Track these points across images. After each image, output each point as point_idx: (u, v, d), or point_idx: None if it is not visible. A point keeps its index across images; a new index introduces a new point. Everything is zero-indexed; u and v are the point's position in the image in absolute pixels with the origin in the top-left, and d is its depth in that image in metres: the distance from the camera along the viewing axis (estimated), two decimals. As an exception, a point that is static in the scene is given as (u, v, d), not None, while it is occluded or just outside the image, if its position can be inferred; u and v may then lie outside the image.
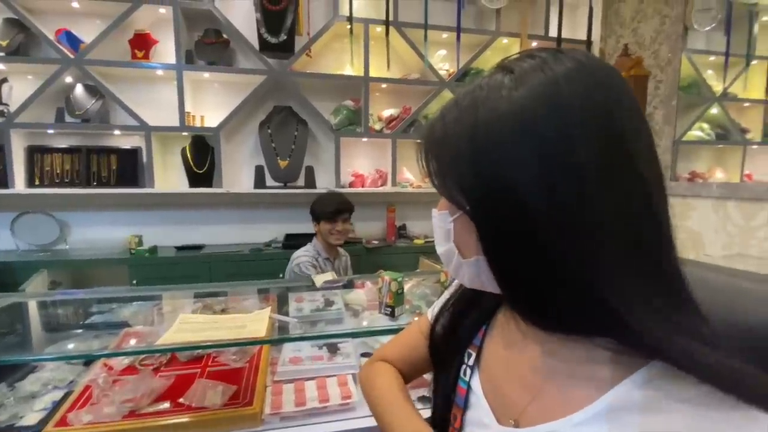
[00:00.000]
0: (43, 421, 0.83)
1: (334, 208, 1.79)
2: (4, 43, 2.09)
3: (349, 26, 2.30)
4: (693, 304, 0.35)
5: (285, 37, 2.25)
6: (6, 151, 2.10)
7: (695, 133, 2.31)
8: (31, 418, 0.85)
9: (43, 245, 2.29)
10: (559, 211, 0.32)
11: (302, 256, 1.83)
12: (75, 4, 2.16)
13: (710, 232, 1.96)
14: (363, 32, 2.35)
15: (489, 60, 2.68)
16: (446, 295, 0.58)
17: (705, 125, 2.31)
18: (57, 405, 0.89)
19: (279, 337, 0.97)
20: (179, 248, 2.36)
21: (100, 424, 0.82)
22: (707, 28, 2.20)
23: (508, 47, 2.70)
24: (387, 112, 2.56)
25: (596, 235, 0.32)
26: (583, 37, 2.66)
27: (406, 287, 1.47)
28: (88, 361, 1.07)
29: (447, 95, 2.54)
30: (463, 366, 0.50)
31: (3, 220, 2.23)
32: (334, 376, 1.04)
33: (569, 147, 0.32)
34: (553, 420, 0.38)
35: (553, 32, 2.64)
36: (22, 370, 1.02)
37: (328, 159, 2.54)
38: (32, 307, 1.29)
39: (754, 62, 2.12)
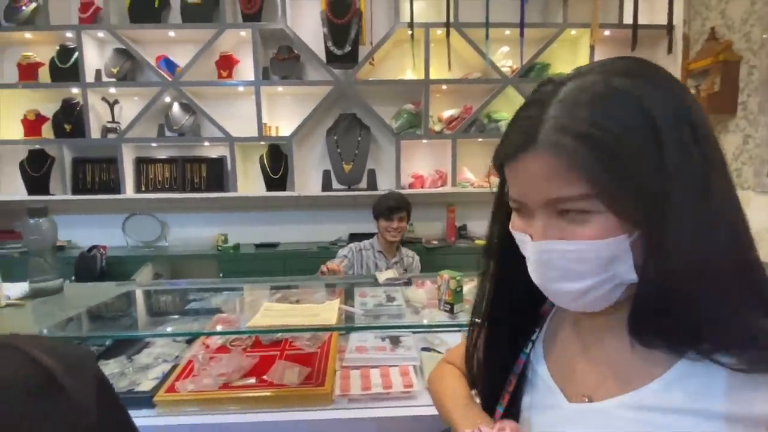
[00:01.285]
0: (156, 388, 1.00)
1: (390, 206, 1.88)
2: (115, 71, 2.48)
3: (410, 32, 2.36)
4: None
5: (350, 48, 2.38)
6: (119, 162, 2.49)
7: (804, 121, 2.01)
8: (146, 385, 1.02)
9: (148, 242, 2.67)
10: (720, 215, 0.35)
11: (350, 246, 1.95)
12: (171, 33, 2.49)
13: (824, 233, 1.70)
14: (423, 36, 2.40)
15: (556, 54, 2.57)
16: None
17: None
18: (166, 375, 1.06)
19: (347, 325, 1.05)
20: (258, 245, 2.61)
21: (201, 392, 0.96)
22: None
23: (576, 39, 2.57)
24: (447, 113, 2.58)
25: (738, 230, 0.36)
26: (663, 21, 2.45)
27: (466, 287, 1.48)
28: (190, 339, 1.25)
29: (510, 92, 2.49)
30: (528, 345, 0.52)
31: (116, 221, 2.64)
32: (396, 366, 1.10)
33: (709, 145, 0.36)
34: (633, 390, 0.39)
35: (627, 19, 2.46)
36: (137, 346, 1.22)
37: (389, 162, 2.63)
38: (141, 294, 1.53)
39: None
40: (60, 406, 0.27)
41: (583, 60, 2.51)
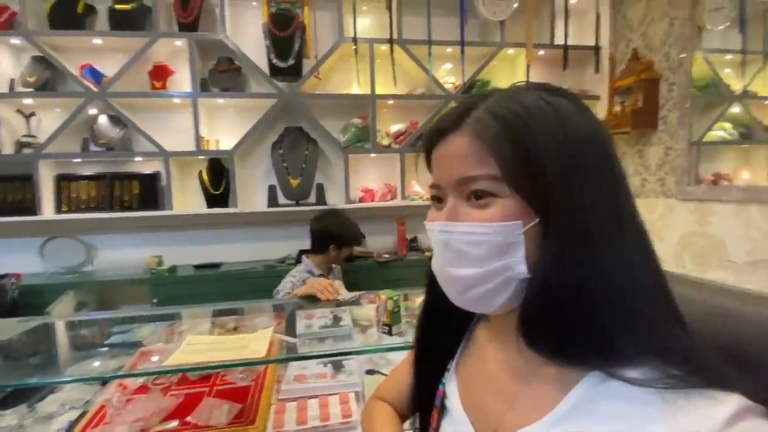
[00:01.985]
0: (59, 441, 0.87)
1: (362, 236, 1.96)
2: (32, 80, 2.25)
3: (354, 47, 2.36)
4: (680, 320, 0.37)
5: (293, 62, 2.33)
6: (35, 180, 2.24)
7: (717, 134, 2.23)
8: (48, 438, 0.89)
9: (71, 268, 2.41)
10: (618, 221, 0.36)
11: (288, 282, 1.81)
12: (97, 41, 2.31)
13: (733, 237, 1.88)
14: (368, 51, 2.41)
15: (495, 71, 2.69)
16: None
17: (727, 125, 2.23)
18: (73, 425, 0.93)
19: (273, 359, 0.98)
20: (197, 267, 2.44)
21: (112, 442, 0.85)
22: (720, 27, 2.14)
23: (514, 57, 2.71)
24: (395, 128, 2.59)
25: (642, 241, 0.37)
26: (592, 42, 2.64)
27: (417, 301, 1.46)
28: (105, 381, 1.12)
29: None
30: (446, 372, 0.51)
31: (32, 245, 2.37)
32: (337, 394, 1.05)
33: (617, 165, 0.38)
34: (530, 424, 0.38)
35: (559, 40, 2.63)
36: (41, 392, 1.07)
37: (338, 176, 2.59)
38: (55, 328, 1.36)
39: (772, 59, 2.05)
40: None
41: (521, 77, 2.65)
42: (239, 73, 2.44)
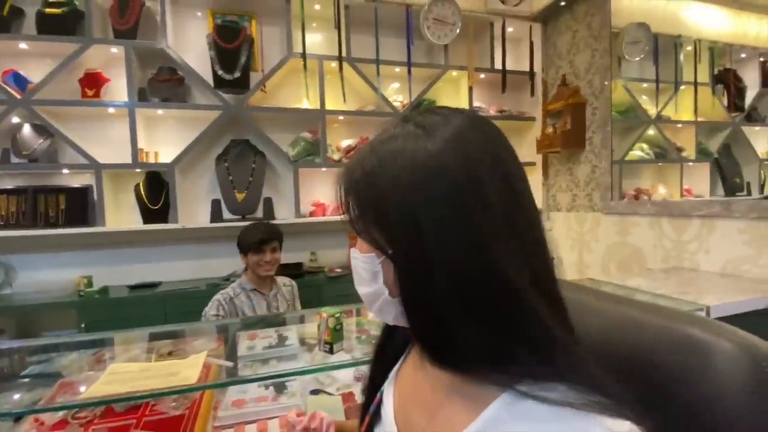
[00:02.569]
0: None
1: (259, 238, 1.72)
2: (-56, 85, 2.04)
3: (303, 62, 2.38)
4: (567, 322, 0.40)
5: (239, 74, 2.30)
6: (-57, 194, 2.01)
7: (636, 153, 2.49)
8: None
9: (-16, 291, 2.17)
10: (472, 248, 0.36)
11: (216, 298, 1.74)
12: (23, 45, 2.14)
13: (650, 247, 2.10)
14: (318, 68, 2.44)
15: (441, 91, 2.82)
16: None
17: (644, 145, 2.50)
18: (-26, 471, 0.84)
19: (203, 385, 0.95)
20: (132, 287, 2.29)
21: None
22: (637, 59, 2.42)
23: (457, 79, 2.85)
24: (345, 143, 2.63)
25: (504, 268, 0.36)
26: (527, 68, 2.85)
27: (369, 317, 1.47)
28: (18, 417, 1.02)
29: (402, 125, 2.64)
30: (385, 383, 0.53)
31: (-61, 267, 2.11)
32: (276, 417, 1.03)
33: (479, 188, 0.37)
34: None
35: (498, 64, 2.81)
36: (-62, 435, 0.96)
37: (287, 190, 2.56)
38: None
39: (682, 87, 2.34)
40: None
41: (464, 98, 2.79)
42: (181, 83, 2.36)
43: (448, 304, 0.37)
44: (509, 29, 2.81)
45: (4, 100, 2.07)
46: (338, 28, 2.43)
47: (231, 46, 2.28)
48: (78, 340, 1.45)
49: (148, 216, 2.30)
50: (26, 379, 1.10)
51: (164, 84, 2.30)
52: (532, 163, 2.95)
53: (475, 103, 2.81)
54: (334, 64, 2.46)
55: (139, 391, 0.82)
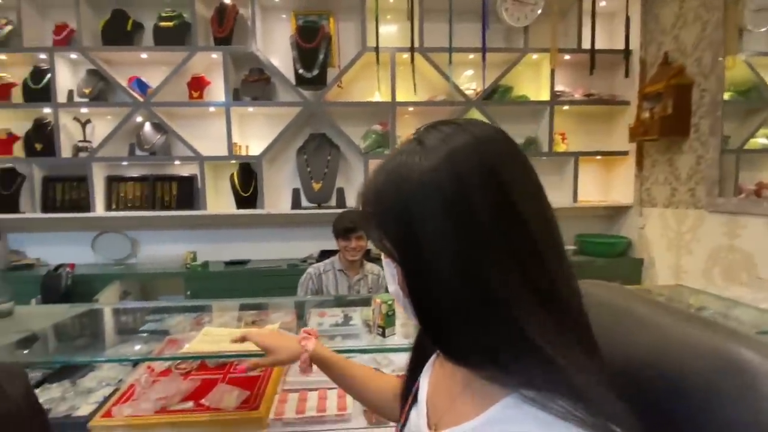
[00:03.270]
0: (94, 413, 1.02)
1: (345, 227, 1.83)
2: (87, 91, 2.52)
3: (376, 56, 2.44)
4: (581, 335, 0.39)
5: (318, 71, 2.45)
6: (89, 180, 2.51)
7: (760, 141, 2.11)
8: (84, 410, 1.04)
9: (118, 260, 2.67)
10: (458, 258, 0.38)
11: (308, 271, 1.92)
12: (144, 56, 2.55)
13: (763, 252, 1.78)
14: (390, 60, 2.48)
15: (519, 75, 2.68)
16: None
17: (772, 131, 2.11)
18: (106, 400, 1.08)
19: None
20: (228, 263, 2.62)
21: (136, 417, 0.98)
22: (764, 29, 2.03)
23: (538, 62, 2.68)
24: (415, 133, 2.64)
25: (487, 278, 0.37)
26: (621, 46, 2.57)
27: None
28: (136, 362, 1.27)
29: (474, 114, 2.58)
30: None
31: (86, 239, 2.65)
32: (335, 388, 1.13)
33: (466, 206, 0.38)
34: (456, 425, 0.43)
35: (585, 44, 2.57)
36: (83, 369, 1.24)
37: (358, 180, 2.68)
38: (99, 314, 1.54)
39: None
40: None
41: (545, 82, 2.62)
42: (268, 82, 2.59)
43: (442, 307, 0.40)
44: (601, 3, 2.55)
45: (130, 103, 2.49)
46: (411, 18, 2.44)
47: (310, 45, 2.44)
48: (183, 305, 1.73)
49: (240, 202, 2.60)
50: (144, 334, 1.36)
51: (254, 84, 2.55)
52: (623, 153, 2.67)
53: (558, 87, 2.62)
54: (406, 56, 2.49)
55: (225, 351, 0.96)
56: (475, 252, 0.38)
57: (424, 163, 0.40)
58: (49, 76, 2.47)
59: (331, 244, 2.66)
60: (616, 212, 2.82)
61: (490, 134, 0.42)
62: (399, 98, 2.52)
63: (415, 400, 0.55)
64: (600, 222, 2.90)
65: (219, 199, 2.71)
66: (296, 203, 2.63)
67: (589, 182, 2.82)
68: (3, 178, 2.53)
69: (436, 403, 0.49)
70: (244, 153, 2.61)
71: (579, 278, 0.43)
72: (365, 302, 1.73)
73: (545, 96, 2.60)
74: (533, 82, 2.71)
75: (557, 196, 2.74)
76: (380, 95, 2.56)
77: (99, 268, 2.57)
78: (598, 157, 2.73)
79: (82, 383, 1.16)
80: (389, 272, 0.46)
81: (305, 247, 2.74)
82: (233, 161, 2.60)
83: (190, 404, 1.04)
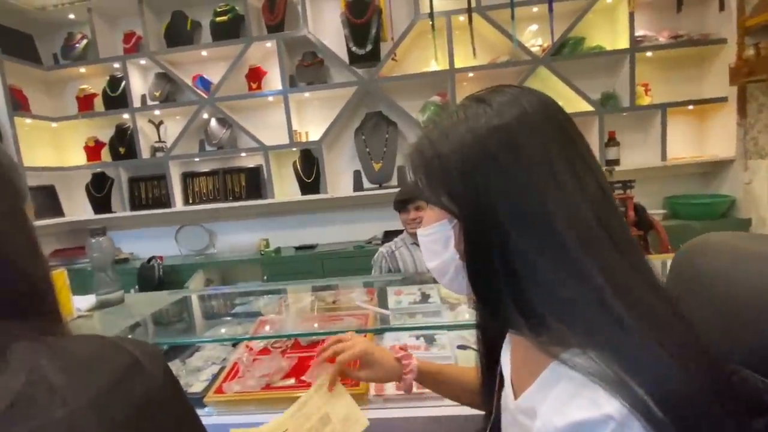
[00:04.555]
0: (206, 389, 1.07)
1: (400, 198, 1.78)
2: (157, 94, 2.67)
3: (431, 22, 2.31)
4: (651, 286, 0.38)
5: (371, 47, 2.38)
6: (167, 178, 2.68)
7: None
8: (197, 387, 1.10)
9: (198, 251, 2.85)
10: (537, 214, 0.38)
11: (381, 250, 1.89)
12: (204, 53, 2.63)
13: None
14: (445, 25, 2.35)
15: (592, 24, 2.41)
16: None
17: None
18: (215, 377, 1.14)
19: (379, 327, 1.07)
20: (297, 248, 2.70)
21: (245, 393, 1.02)
22: None
23: (613, 6, 2.40)
24: (476, 102, 2.50)
25: (551, 221, 0.37)
26: (714, -26, 2.21)
27: None
28: (236, 342, 1.33)
29: (542, 73, 2.37)
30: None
31: (169, 232, 2.85)
32: (432, 365, 1.10)
33: (547, 158, 0.39)
34: (523, 391, 0.44)
35: (670, -22, 2.24)
36: (189, 349, 1.32)
37: (420, 156, 2.60)
38: (192, 301, 1.65)
39: None
40: (142, 384, 0.33)
41: (622, 28, 2.33)
42: (322, 65, 2.57)
43: (502, 262, 0.39)
44: (687, -73, 2.20)
45: (196, 101, 2.59)
46: (466, -24, 2.27)
47: (362, 20, 2.37)
48: (266, 288, 1.80)
49: (304, 187, 2.64)
50: (233, 318, 1.42)
51: (308, 68, 2.54)
52: (721, 99, 2.32)
53: (639, 32, 2.32)
54: (463, 18, 2.33)
55: (322, 328, 0.96)
56: (544, 188, 0.38)
57: (488, 110, 0.41)
58: (124, 83, 2.64)
59: (395, 224, 2.65)
60: (714, 168, 2.49)
61: (548, 98, 0.43)
62: (457, 65, 2.38)
63: (502, 382, 0.54)
64: (694, 181, 2.57)
65: (284, 187, 2.77)
66: (358, 185, 2.62)
67: (680, 137, 2.50)
68: (95, 182, 2.79)
69: (519, 376, 0.49)
70: (304, 139, 2.63)
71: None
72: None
73: (623, 44, 2.32)
74: (608, 30, 2.43)
75: (642, 155, 2.47)
76: (437, 64, 2.44)
77: (183, 259, 2.77)
78: (690, 107, 2.40)
79: (190, 363, 1.24)
80: (443, 237, 0.45)
81: (369, 229, 2.74)
82: (294, 148, 2.63)
83: (291, 381, 1.07)
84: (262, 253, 2.62)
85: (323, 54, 2.54)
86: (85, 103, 2.74)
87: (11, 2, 2.44)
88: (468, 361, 1.13)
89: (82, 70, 2.72)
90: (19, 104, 2.49)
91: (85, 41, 2.70)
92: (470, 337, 1.36)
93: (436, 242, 0.45)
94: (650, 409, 0.31)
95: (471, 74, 2.45)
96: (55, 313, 0.39)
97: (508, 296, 0.39)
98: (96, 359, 0.32)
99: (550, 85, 2.41)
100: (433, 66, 2.47)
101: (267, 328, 1.25)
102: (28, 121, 2.56)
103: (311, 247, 2.70)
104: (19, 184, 0.38)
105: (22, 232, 0.37)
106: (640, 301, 0.36)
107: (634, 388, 0.32)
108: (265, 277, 2.51)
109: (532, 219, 0.37)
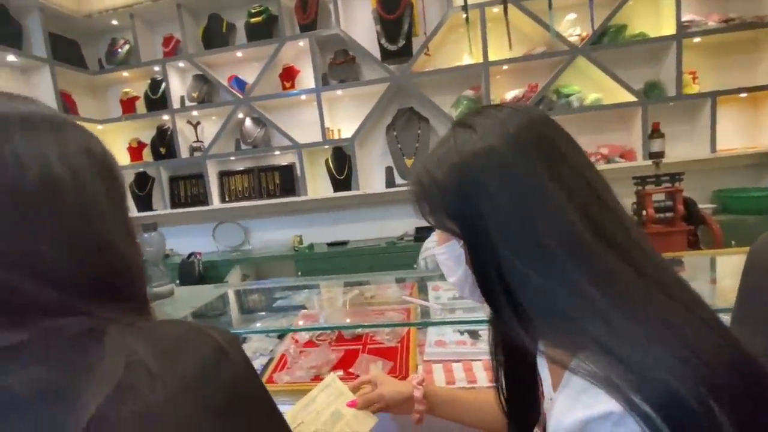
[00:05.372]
0: (258, 379, 1.10)
1: None
2: (195, 95, 2.75)
3: (464, 15, 2.28)
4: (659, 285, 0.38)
5: (403, 42, 2.37)
6: (205, 177, 2.76)
7: None
8: (248, 376, 1.13)
9: (234, 247, 2.93)
10: (525, 232, 0.40)
11: (428, 249, 1.87)
12: (239, 54, 2.69)
13: None
14: (479, 17, 2.31)
15: (634, 10, 2.31)
16: None
17: None
18: (264, 368, 1.16)
19: (427, 321, 1.06)
20: (330, 245, 2.73)
21: (296, 383, 1.04)
22: None
23: (657, -9, 2.28)
24: (511, 94, 2.45)
25: (546, 230, 0.39)
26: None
27: None
28: (281, 335, 1.35)
29: (581, 63, 2.30)
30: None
31: (207, 229, 2.94)
32: (479, 360, 1.08)
33: (533, 175, 0.40)
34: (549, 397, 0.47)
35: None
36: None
37: (452, 151, 2.58)
38: (235, 294, 1.69)
39: None
40: (228, 369, 0.34)
41: (667, 14, 2.23)
42: (354, 62, 2.58)
43: (512, 271, 0.40)
44: None
45: (232, 101, 2.66)
46: (501, -33, 2.22)
47: (393, 16, 2.36)
48: (303, 284, 1.83)
49: (336, 185, 2.67)
50: (277, 311, 1.45)
51: (341, 66, 2.56)
52: (774, 87, 2.18)
53: (686, 16, 2.21)
54: (497, 9, 2.28)
55: (365, 321, 0.97)
56: (536, 204, 0.40)
57: (475, 136, 0.43)
58: (163, 85, 2.74)
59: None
60: (768, 160, 2.34)
61: (537, 112, 0.45)
62: (491, 57, 2.34)
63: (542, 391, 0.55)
64: (746, 173, 2.43)
65: (316, 184, 2.81)
66: (390, 181, 2.62)
67: (730, 127, 2.37)
68: (138, 181, 2.91)
69: (555, 382, 0.49)
70: (336, 137, 2.66)
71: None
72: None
73: (668, 29, 2.22)
74: (652, 15, 2.32)
75: (689, 147, 2.35)
76: (470, 57, 2.40)
77: (220, 255, 2.85)
78: (743, 95, 2.26)
79: (239, 353, 1.27)
80: (454, 255, 0.48)
81: (401, 225, 2.74)
82: (326, 146, 2.66)
83: (340, 372, 1.08)
84: (296, 249, 2.66)
85: (355, 51, 2.55)
86: (127, 105, 2.86)
87: (59, 10, 2.57)
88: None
89: (125, 74, 2.84)
90: (68, 108, 2.63)
91: (127, 46, 2.82)
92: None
93: (450, 260, 0.49)
94: (644, 410, 0.32)
95: (505, 67, 2.40)
96: (143, 297, 0.40)
97: (511, 309, 0.41)
98: (184, 344, 0.33)
99: (590, 75, 2.33)
100: (467, 60, 2.44)
101: (309, 320, 1.27)
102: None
103: (343, 243, 2.72)
104: (117, 170, 0.39)
105: (121, 216, 0.38)
106: (643, 304, 0.36)
107: (627, 391, 0.33)
108: (299, 273, 2.55)
109: (520, 237, 0.40)
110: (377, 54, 2.46)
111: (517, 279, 0.40)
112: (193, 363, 0.32)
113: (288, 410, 0.75)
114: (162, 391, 0.29)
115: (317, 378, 1.06)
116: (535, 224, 0.39)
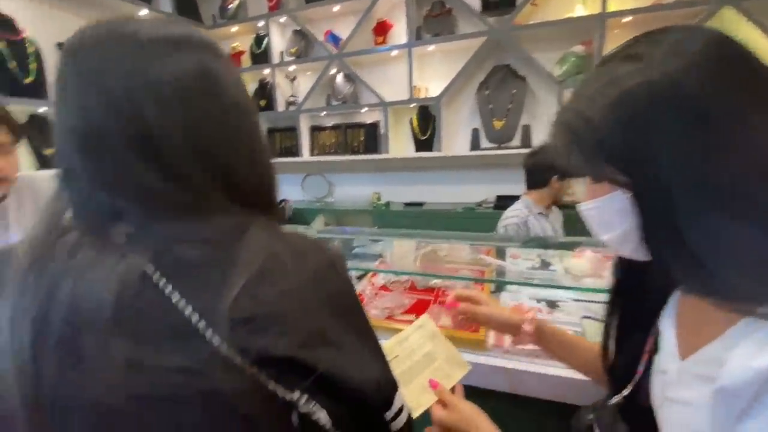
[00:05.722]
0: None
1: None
2: (293, 50, 2.87)
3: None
4: None
5: (507, -9, 2.18)
6: (298, 130, 2.94)
7: None
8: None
9: (319, 198, 3.13)
10: (713, 165, 0.35)
11: (511, 217, 1.79)
12: (336, 8, 2.73)
13: None
14: (601, -41, 2.01)
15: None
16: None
17: None
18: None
19: (506, 280, 1.05)
20: (406, 204, 2.77)
21: (372, 319, 1.12)
22: None
23: None
24: (627, 53, 2.15)
25: (731, 176, 0.35)
26: None
27: None
28: (360, 276, 1.44)
29: (727, 14, 1.90)
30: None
31: (296, 180, 3.16)
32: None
33: (722, 102, 0.35)
34: (695, 351, 0.42)
35: None
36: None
37: (547, 115, 2.37)
38: (322, 238, 1.83)
39: None
40: (337, 281, 0.38)
41: None
42: (450, 14, 2.46)
43: (688, 217, 0.36)
44: None
45: (326, 56, 2.73)
46: None
47: (499, -39, 2.17)
48: (379, 237, 1.90)
49: (418, 145, 2.65)
50: (357, 256, 1.55)
51: (436, 19, 2.46)
52: None
53: None
54: (624, -50, 1.97)
55: (441, 272, 0.99)
56: (733, 141, 0.35)
57: (643, 67, 0.37)
58: (266, 40, 2.91)
59: (510, 189, 2.51)
60: None
61: (722, 34, 0.39)
62: (610, 8, 2.05)
63: (656, 348, 0.52)
64: None
65: (399, 143, 2.82)
66: (475, 144, 2.52)
67: None
68: (240, 131, 3.20)
69: (691, 336, 0.46)
70: (423, 95, 2.61)
71: None
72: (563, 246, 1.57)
73: None
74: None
75: None
76: (584, 8, 2.13)
77: (305, 204, 3.07)
78: None
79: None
80: (614, 209, 0.42)
81: (482, 191, 2.65)
82: (412, 105, 2.63)
83: (412, 317, 1.13)
84: (374, 205, 2.76)
85: (452, 2, 2.42)
86: (234, 59, 3.11)
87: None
88: (593, 330, 1.06)
89: (234, 29, 3.06)
90: (188, 61, 2.94)
91: (237, 1, 3.02)
92: (597, 308, 1.26)
93: (607, 214, 0.43)
94: None
95: (627, 18, 2.08)
96: (276, 209, 0.46)
97: (686, 262, 0.37)
98: (307, 250, 0.37)
99: (738, 31, 1.93)
100: (579, 11, 2.17)
101: (386, 267, 1.33)
102: (194, 75, 3.01)
103: (419, 204, 2.74)
104: (247, 97, 0.44)
105: (258, 130, 0.43)
106: None
107: None
108: (376, 227, 2.64)
109: (713, 180, 0.35)
110: (477, 5, 2.31)
111: (705, 229, 0.36)
112: (314, 267, 0.36)
113: (384, 342, 0.82)
114: (295, 278, 0.34)
115: (390, 317, 1.13)
116: (731, 165, 0.34)
